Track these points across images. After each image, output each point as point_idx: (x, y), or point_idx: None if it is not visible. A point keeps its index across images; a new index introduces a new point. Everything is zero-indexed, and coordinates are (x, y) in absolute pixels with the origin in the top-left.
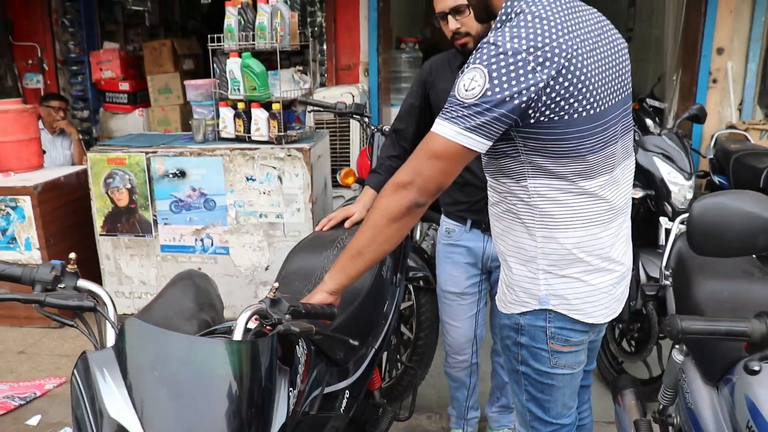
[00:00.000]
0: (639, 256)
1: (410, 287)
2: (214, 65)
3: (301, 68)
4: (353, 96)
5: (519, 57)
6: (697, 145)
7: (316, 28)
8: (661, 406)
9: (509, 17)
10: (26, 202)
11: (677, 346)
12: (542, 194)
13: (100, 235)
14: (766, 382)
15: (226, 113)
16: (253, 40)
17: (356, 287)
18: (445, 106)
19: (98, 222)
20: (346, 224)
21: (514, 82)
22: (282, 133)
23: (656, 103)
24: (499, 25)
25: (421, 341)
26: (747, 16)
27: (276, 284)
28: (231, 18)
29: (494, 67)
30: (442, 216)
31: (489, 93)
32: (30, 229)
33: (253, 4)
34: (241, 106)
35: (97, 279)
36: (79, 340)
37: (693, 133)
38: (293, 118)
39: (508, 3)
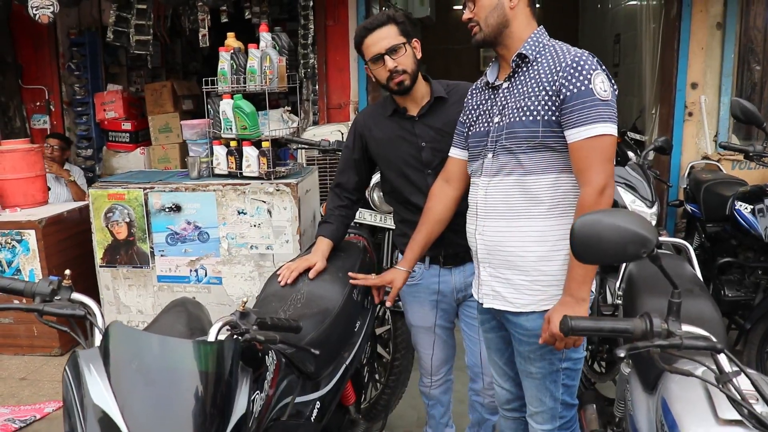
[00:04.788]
0: (606, 280)
1: (388, 312)
2: (209, 106)
3: (289, 108)
4: (342, 133)
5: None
6: (675, 175)
7: (308, 69)
8: (617, 419)
9: (544, 47)
10: (31, 236)
11: (625, 361)
12: (573, 185)
13: (100, 266)
14: (677, 381)
15: (219, 151)
16: (244, 82)
17: (327, 307)
18: (586, 111)
19: (98, 254)
20: (310, 274)
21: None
22: (271, 169)
23: (637, 136)
24: (536, 55)
25: (398, 362)
26: (718, 53)
27: (245, 299)
28: (224, 62)
29: (603, 68)
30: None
31: (612, 89)
32: (34, 261)
33: (244, 49)
34: (233, 144)
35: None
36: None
37: (671, 164)
38: (287, 155)
39: (537, 39)
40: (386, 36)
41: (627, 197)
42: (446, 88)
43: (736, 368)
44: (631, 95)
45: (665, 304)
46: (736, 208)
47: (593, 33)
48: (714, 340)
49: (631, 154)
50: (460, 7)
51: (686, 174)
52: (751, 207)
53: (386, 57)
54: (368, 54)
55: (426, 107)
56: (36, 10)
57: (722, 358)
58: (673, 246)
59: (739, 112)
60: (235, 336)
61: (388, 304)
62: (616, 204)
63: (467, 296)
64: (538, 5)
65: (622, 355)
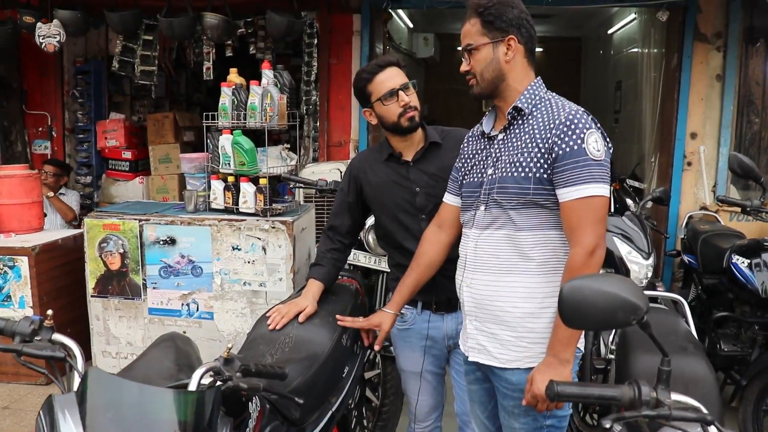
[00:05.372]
0: (600, 332)
1: (378, 356)
2: (208, 140)
3: (288, 146)
4: (341, 172)
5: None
6: (673, 224)
7: (310, 106)
8: None
9: (540, 100)
10: (24, 263)
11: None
12: (564, 242)
13: (92, 296)
14: None
15: (217, 186)
16: (245, 118)
17: (316, 352)
18: (578, 171)
19: (90, 283)
20: (300, 318)
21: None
22: (267, 207)
23: (636, 184)
24: (531, 108)
25: (386, 407)
26: (717, 104)
27: (230, 345)
28: (225, 97)
29: (598, 126)
30: None
31: (606, 148)
32: (25, 288)
33: (246, 85)
34: (230, 179)
35: (86, 338)
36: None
37: (669, 213)
38: (286, 190)
39: (533, 92)
40: (399, 73)
41: (623, 248)
42: (441, 133)
43: None
44: (630, 142)
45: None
46: (733, 261)
47: (595, 79)
48: (704, 411)
49: (629, 201)
50: None
51: (684, 224)
52: (749, 261)
53: (401, 92)
54: (381, 89)
55: (421, 152)
56: (43, 39)
57: (712, 430)
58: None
59: (737, 167)
60: (218, 383)
61: (376, 348)
62: (612, 255)
63: (458, 343)
64: (540, 49)
65: (608, 426)
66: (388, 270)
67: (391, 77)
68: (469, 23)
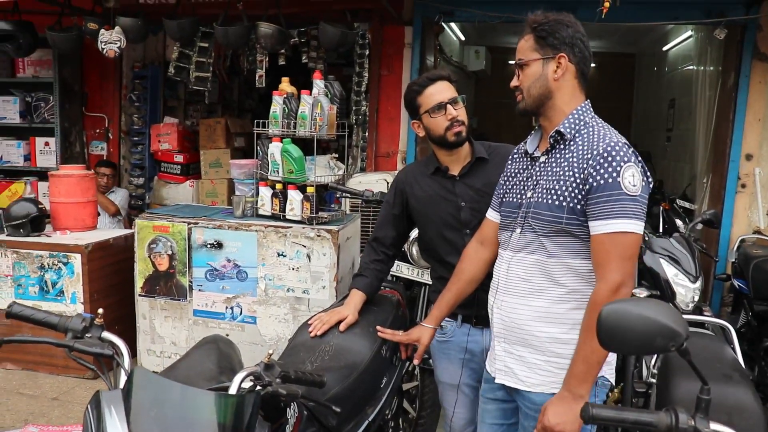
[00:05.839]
0: (642, 356)
1: (417, 368)
2: (258, 147)
3: (336, 155)
4: (387, 182)
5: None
6: (724, 247)
7: (360, 116)
8: None
9: (584, 125)
10: (77, 260)
11: None
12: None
13: (139, 295)
14: None
15: (265, 192)
16: (295, 127)
17: (355, 362)
18: (611, 204)
19: (139, 283)
20: (341, 327)
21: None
22: (314, 215)
23: (686, 204)
24: (574, 134)
25: (423, 420)
26: None
27: (271, 351)
28: (276, 106)
29: (638, 159)
30: None
31: (644, 183)
32: (77, 284)
33: (297, 95)
34: (278, 186)
35: (133, 336)
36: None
37: (720, 236)
38: (333, 199)
39: (578, 116)
40: (449, 88)
41: (670, 271)
42: (488, 149)
43: None
44: (682, 161)
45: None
46: None
47: (648, 96)
48: None
49: (679, 222)
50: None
51: (735, 248)
52: None
53: (449, 105)
54: (430, 102)
55: (467, 167)
56: (105, 45)
57: None
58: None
59: None
60: (257, 387)
61: (416, 362)
62: (658, 277)
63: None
64: (593, 64)
65: None
66: (431, 282)
67: (441, 91)
68: (524, 39)
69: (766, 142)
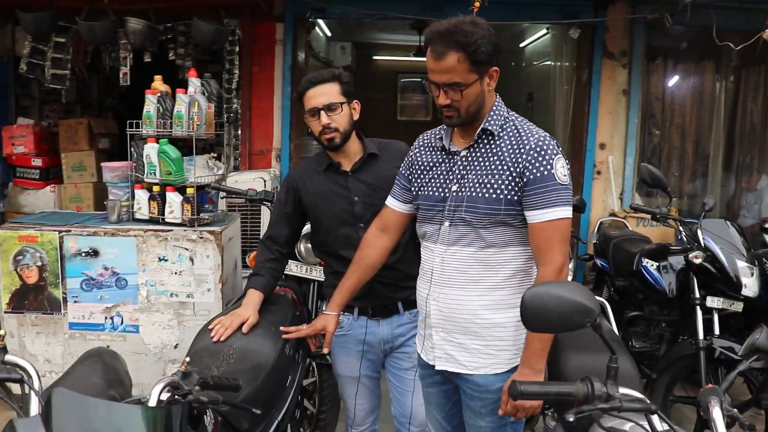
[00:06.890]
0: None
1: (313, 364)
2: (132, 149)
3: (215, 155)
4: (265, 181)
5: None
6: (584, 231)
7: (231, 114)
8: None
9: (506, 121)
10: None
11: (548, 413)
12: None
13: (6, 312)
14: None
15: (142, 195)
16: (171, 127)
17: (261, 362)
18: (548, 194)
19: (4, 299)
20: (244, 329)
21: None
22: (195, 216)
23: None
24: (499, 130)
25: (323, 415)
26: (623, 117)
27: (187, 359)
28: (150, 105)
29: (561, 150)
30: None
31: (569, 171)
32: None
33: (172, 93)
34: (156, 189)
35: None
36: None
37: (581, 220)
38: (206, 199)
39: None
40: (327, 92)
41: None
42: (378, 145)
43: (667, 427)
44: None
45: (586, 361)
46: (643, 264)
47: (507, 90)
48: (648, 402)
49: None
50: (381, 57)
51: (596, 230)
52: (657, 264)
53: (322, 112)
54: (307, 106)
55: (359, 163)
56: None
57: (655, 418)
58: None
59: (648, 177)
60: (176, 397)
61: (325, 350)
62: None
63: (394, 347)
64: None
65: (571, 419)
66: (321, 279)
67: (318, 95)
68: (454, 59)
69: (616, 132)
